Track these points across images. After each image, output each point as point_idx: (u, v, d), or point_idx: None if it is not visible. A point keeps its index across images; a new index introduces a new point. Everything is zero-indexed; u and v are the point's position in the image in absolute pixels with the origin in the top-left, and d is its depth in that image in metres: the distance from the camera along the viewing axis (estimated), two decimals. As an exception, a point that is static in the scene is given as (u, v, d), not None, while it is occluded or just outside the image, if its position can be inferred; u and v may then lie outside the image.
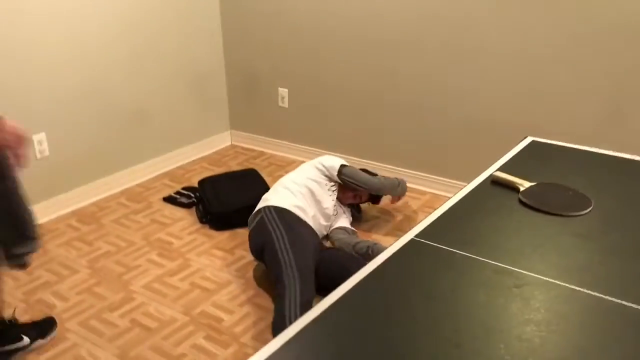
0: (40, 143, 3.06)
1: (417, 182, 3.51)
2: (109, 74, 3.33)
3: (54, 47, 3.02)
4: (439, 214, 1.47)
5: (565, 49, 2.81)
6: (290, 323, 2.14)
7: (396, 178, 3.01)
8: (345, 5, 3.40)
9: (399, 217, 3.17)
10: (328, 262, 2.50)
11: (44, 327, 2.35)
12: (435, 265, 1.26)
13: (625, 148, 2.04)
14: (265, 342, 2.24)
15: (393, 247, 1.34)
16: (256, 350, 2.18)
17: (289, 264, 2.33)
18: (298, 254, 2.39)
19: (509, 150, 1.87)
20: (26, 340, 2.29)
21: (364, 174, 2.86)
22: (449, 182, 3.39)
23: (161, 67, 3.63)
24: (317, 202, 2.74)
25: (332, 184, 2.84)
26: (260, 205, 2.69)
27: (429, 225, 1.42)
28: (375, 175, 3.01)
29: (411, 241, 1.35)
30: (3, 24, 2.80)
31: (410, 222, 3.10)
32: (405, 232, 3.25)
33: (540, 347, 1.01)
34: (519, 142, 1.95)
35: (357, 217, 3.12)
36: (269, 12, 3.73)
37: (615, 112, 2.79)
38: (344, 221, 2.91)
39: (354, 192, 2.93)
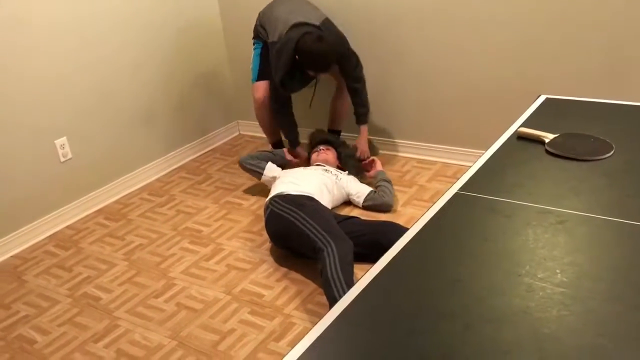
0: (62, 147, 3.17)
1: (426, 154, 3.64)
2: (119, 77, 3.43)
3: (65, 55, 3.12)
4: (475, 170, 1.61)
5: (560, 11, 2.95)
6: (334, 282, 2.28)
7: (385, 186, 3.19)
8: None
9: (414, 188, 3.29)
10: (356, 229, 2.64)
11: None
12: (482, 213, 1.39)
13: (625, 97, 2.18)
14: (307, 311, 2.39)
15: (440, 201, 1.47)
16: (300, 319, 2.34)
17: (316, 231, 2.47)
18: (319, 219, 2.54)
19: (512, 115, 1.99)
20: None
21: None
22: (457, 150, 3.53)
23: (170, 67, 3.72)
24: (330, 192, 2.96)
25: (339, 175, 3.11)
26: (268, 198, 2.84)
27: (469, 180, 1.55)
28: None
29: (456, 194, 1.49)
30: (12, 39, 2.90)
31: (424, 191, 3.23)
32: (423, 200, 3.36)
33: (589, 270, 1.16)
34: (532, 102, 2.09)
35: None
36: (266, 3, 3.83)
37: (612, 65, 2.93)
38: (354, 185, 3.15)
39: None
